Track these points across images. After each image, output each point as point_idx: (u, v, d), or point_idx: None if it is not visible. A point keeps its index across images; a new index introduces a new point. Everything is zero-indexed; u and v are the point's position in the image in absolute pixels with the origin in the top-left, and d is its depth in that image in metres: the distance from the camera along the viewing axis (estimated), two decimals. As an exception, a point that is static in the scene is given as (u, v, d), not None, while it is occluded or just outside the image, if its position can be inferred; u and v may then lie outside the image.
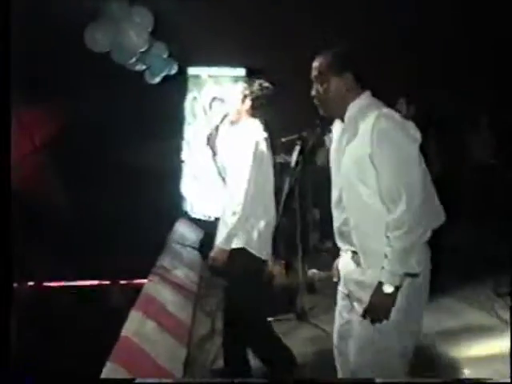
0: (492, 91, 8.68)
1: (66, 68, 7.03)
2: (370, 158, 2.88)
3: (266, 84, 4.26)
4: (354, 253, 3.00)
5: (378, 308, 2.86)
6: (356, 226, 2.96)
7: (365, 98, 3.06)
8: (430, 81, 8.35)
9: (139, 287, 5.38)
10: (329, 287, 6.03)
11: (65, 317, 5.22)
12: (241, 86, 4.24)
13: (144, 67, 7.30)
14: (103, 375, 3.61)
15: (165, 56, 7.40)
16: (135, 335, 4.29)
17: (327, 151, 3.34)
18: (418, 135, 2.92)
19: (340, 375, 3.23)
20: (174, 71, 7.63)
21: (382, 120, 2.89)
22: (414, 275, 2.83)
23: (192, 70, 7.95)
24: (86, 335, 4.66)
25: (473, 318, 5.59)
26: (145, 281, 5.56)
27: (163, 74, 7.47)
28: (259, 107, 4.24)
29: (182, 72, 7.80)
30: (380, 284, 2.83)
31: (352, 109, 3.04)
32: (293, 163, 3.49)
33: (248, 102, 4.19)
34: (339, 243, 3.13)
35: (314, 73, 3.11)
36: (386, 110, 2.96)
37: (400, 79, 7.64)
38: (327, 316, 5.34)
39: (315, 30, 8.06)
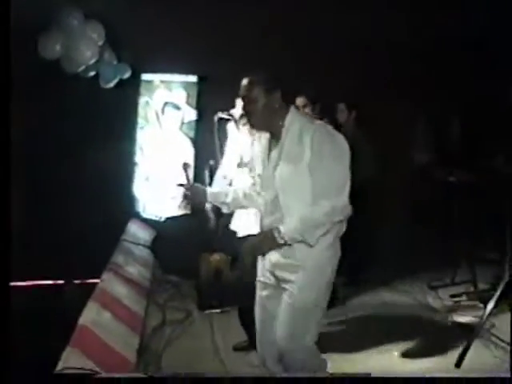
0: (433, 95, 9.11)
1: (20, 73, 7.20)
2: (308, 166, 3.29)
3: None
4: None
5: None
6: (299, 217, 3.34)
7: (294, 113, 3.44)
8: (371, 85, 8.72)
9: (93, 286, 5.56)
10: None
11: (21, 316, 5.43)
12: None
13: (95, 73, 7.54)
14: (63, 360, 3.89)
15: (115, 63, 7.66)
16: (92, 324, 4.58)
17: None
18: (346, 146, 3.36)
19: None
20: (126, 76, 7.85)
21: (318, 133, 3.30)
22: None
23: (145, 76, 8.16)
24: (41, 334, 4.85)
25: (407, 308, 6.05)
26: (98, 280, 5.76)
27: (115, 80, 7.71)
28: None
29: (135, 77, 8.02)
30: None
31: (289, 123, 3.40)
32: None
33: None
34: None
35: (243, 92, 3.42)
36: (319, 123, 3.39)
37: (339, 84, 7.89)
38: None
39: (263, 41, 8.40)
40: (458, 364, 4.58)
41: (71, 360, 3.92)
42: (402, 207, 8.06)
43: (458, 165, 7.13)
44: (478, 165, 6.90)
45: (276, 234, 3.31)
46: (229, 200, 3.82)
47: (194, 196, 3.83)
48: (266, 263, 3.57)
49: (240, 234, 4.90)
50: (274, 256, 3.48)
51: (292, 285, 3.42)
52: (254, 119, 3.45)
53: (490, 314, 4.81)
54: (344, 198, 3.30)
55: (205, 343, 5.06)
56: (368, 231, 6.40)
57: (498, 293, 4.90)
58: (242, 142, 4.80)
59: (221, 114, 4.96)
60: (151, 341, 5.13)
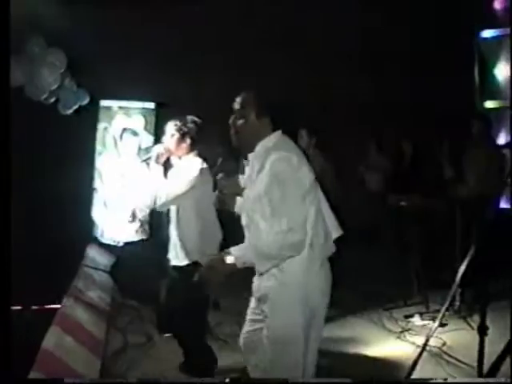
0: (385, 121, 9.39)
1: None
2: (265, 194, 3.39)
3: (197, 120, 4.79)
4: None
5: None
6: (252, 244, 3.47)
7: (272, 139, 3.53)
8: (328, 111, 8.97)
9: (54, 312, 5.53)
10: (233, 304, 6.64)
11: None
12: (173, 125, 4.73)
13: (55, 100, 7.62)
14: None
15: (75, 89, 7.76)
16: (55, 348, 4.63)
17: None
18: (309, 177, 3.45)
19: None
20: (85, 102, 7.94)
21: (277, 163, 3.36)
22: None
23: (103, 102, 8.25)
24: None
25: (361, 327, 6.25)
26: (58, 306, 5.76)
27: (75, 107, 7.80)
28: (197, 143, 4.78)
29: (94, 103, 8.11)
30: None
31: (258, 147, 3.52)
32: None
33: (188, 140, 4.73)
34: None
35: (237, 106, 3.56)
36: (284, 154, 3.41)
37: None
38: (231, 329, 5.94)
39: (221, 66, 8.59)
40: (408, 376, 4.73)
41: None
42: (356, 231, 8.24)
43: (408, 190, 7.36)
44: (429, 190, 7.13)
45: (226, 257, 3.36)
46: None
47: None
48: (254, 294, 3.67)
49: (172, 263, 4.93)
50: (256, 283, 3.60)
51: (266, 316, 3.52)
52: (237, 134, 3.58)
53: (434, 332, 4.97)
54: (297, 235, 3.32)
55: (166, 366, 5.12)
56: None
57: (442, 312, 5.08)
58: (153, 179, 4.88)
59: (143, 157, 5.21)
60: (113, 364, 5.21)
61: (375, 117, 9.41)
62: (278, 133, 3.59)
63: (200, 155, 4.83)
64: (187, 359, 4.99)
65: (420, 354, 4.79)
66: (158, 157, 4.77)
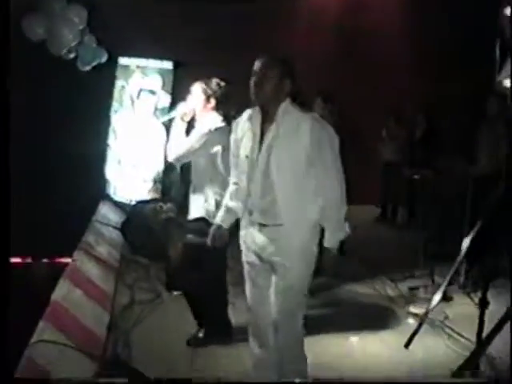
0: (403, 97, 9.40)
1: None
2: (306, 154, 3.54)
3: (223, 83, 4.84)
4: (263, 226, 3.64)
5: (330, 267, 3.76)
6: (287, 205, 3.58)
7: (288, 103, 3.64)
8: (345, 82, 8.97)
9: (65, 266, 5.66)
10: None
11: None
12: (199, 87, 4.78)
13: (75, 56, 7.64)
14: (36, 333, 4.04)
15: (94, 46, 7.77)
16: (64, 300, 4.73)
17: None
18: (337, 139, 3.63)
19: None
20: (104, 59, 7.96)
21: (317, 125, 3.55)
22: None
23: (122, 60, 8.26)
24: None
25: (367, 297, 6.33)
26: (68, 260, 5.86)
27: (93, 63, 7.82)
28: (221, 104, 4.81)
29: (112, 61, 8.12)
30: (328, 249, 3.66)
31: (284, 107, 3.61)
32: None
33: (213, 101, 4.79)
34: (252, 218, 3.71)
35: (260, 67, 3.61)
36: (316, 115, 3.66)
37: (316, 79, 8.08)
38: None
39: (240, 30, 8.57)
40: (407, 345, 4.87)
41: (45, 334, 4.08)
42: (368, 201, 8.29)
43: (422, 164, 7.38)
44: (441, 164, 7.14)
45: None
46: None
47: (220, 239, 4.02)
48: (250, 245, 3.77)
49: (190, 217, 4.96)
50: (259, 239, 3.69)
51: (281, 266, 3.64)
52: (259, 94, 3.62)
53: (437, 304, 5.05)
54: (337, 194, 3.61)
55: (173, 323, 5.21)
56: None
57: (443, 285, 5.16)
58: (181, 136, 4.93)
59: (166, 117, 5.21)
60: (120, 318, 5.29)
61: (393, 89, 9.41)
62: (289, 100, 3.68)
63: (224, 116, 4.88)
64: (197, 313, 5.05)
65: (420, 325, 4.90)
66: (183, 115, 4.85)
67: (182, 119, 4.84)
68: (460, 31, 9.10)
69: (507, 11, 8.86)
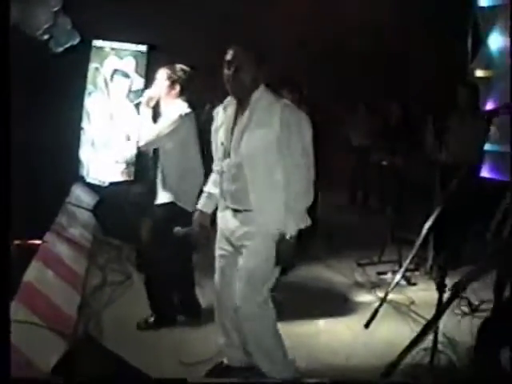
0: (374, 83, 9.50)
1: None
2: (277, 142, 3.62)
3: (187, 68, 4.93)
4: (236, 211, 3.75)
5: (284, 253, 3.72)
6: (256, 191, 3.68)
7: (264, 89, 3.74)
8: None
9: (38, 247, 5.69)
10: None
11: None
12: (164, 72, 4.85)
13: (48, 37, 7.59)
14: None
15: (69, 28, 7.73)
16: (36, 281, 4.79)
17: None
18: (309, 126, 3.72)
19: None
20: (76, 42, 7.92)
21: (287, 111, 3.64)
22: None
23: (96, 42, 8.24)
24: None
25: (335, 281, 6.45)
26: (39, 242, 5.85)
27: (67, 45, 7.78)
28: (185, 90, 4.90)
29: (86, 43, 8.09)
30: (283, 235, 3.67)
31: (257, 94, 3.70)
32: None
33: (177, 87, 4.86)
34: (226, 204, 3.84)
35: (232, 56, 3.68)
36: (288, 102, 3.73)
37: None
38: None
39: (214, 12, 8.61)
40: (367, 325, 5.05)
41: (17, 315, 4.13)
42: (336, 188, 8.40)
43: (392, 150, 7.49)
44: (412, 152, 7.26)
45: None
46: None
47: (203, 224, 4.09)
48: (223, 230, 3.89)
49: (158, 201, 5.03)
50: (232, 223, 3.80)
51: (246, 250, 3.76)
52: (233, 82, 3.71)
53: (395, 286, 5.22)
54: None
55: (143, 304, 5.27)
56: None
57: (403, 268, 5.32)
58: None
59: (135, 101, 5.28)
60: (92, 299, 5.38)
61: (367, 79, 9.51)
62: (263, 86, 3.77)
63: (188, 101, 4.96)
64: (151, 301, 5.12)
65: (380, 305, 5.09)
66: (148, 100, 4.91)
67: (148, 104, 4.92)
68: (434, 18, 9.20)
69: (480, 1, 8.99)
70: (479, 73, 8.92)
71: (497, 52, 8.81)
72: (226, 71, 3.70)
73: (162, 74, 4.90)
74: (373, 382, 3.79)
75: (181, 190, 4.87)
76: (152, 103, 4.92)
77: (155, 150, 5.12)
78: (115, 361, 3.09)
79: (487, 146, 7.11)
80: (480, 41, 8.99)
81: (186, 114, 4.86)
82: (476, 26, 9.03)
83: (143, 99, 4.97)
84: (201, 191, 4.60)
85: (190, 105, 4.98)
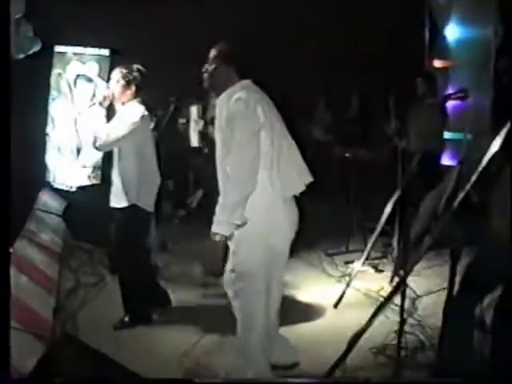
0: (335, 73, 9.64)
1: None
2: (224, 135, 3.70)
3: (143, 68, 4.99)
4: None
5: (210, 256, 3.62)
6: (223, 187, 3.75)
7: (239, 85, 3.81)
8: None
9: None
10: (180, 246, 6.94)
11: None
12: (119, 72, 4.90)
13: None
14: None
15: (31, 35, 7.73)
16: (11, 287, 4.83)
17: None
18: (261, 119, 3.66)
19: None
20: (38, 48, 7.93)
21: (233, 104, 3.64)
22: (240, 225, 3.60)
23: (58, 48, 8.25)
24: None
25: (303, 271, 6.61)
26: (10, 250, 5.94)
27: (30, 52, 7.79)
28: (140, 91, 4.97)
29: (48, 49, 8.10)
30: (212, 233, 3.57)
31: (224, 94, 3.81)
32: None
33: (133, 87, 4.91)
34: None
35: (209, 56, 3.87)
36: (242, 95, 3.66)
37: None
38: (178, 270, 6.41)
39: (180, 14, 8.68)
40: (336, 305, 5.51)
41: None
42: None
43: (353, 142, 7.66)
44: (373, 142, 7.43)
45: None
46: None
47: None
48: None
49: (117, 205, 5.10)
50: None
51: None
52: (209, 81, 3.90)
53: (358, 273, 5.79)
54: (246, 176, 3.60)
55: (118, 304, 5.35)
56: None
57: (364, 255, 5.89)
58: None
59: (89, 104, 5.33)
60: (67, 301, 5.45)
61: (327, 70, 9.65)
62: (246, 81, 3.87)
63: (143, 102, 5.02)
64: (125, 302, 5.22)
65: (346, 288, 5.55)
66: (102, 100, 4.97)
67: (102, 104, 4.96)
68: (392, 10, 9.36)
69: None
70: (437, 63, 9.10)
71: (454, 42, 9.02)
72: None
73: (117, 73, 4.95)
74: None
75: (141, 192, 4.95)
76: (106, 103, 4.97)
77: (110, 154, 5.18)
78: (95, 356, 3.17)
79: (448, 135, 7.32)
80: (437, 31, 9.17)
81: (144, 117, 4.93)
82: (432, 17, 9.21)
83: (97, 99, 5.03)
84: (158, 193, 5.03)
85: (146, 107, 5.05)
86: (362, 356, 4.30)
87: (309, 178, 3.94)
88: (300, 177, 3.89)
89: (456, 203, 2.72)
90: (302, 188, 3.89)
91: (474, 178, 2.69)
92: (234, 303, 4.02)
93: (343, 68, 9.61)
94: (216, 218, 3.57)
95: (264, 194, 3.67)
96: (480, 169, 2.68)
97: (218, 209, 3.58)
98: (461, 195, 2.72)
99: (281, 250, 3.89)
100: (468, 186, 2.72)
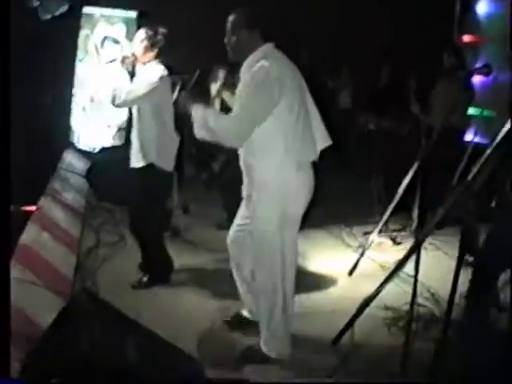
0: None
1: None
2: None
3: (165, 31, 5.00)
4: None
5: None
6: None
7: (260, 51, 3.84)
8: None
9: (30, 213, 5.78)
10: (202, 209, 7.01)
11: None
12: (144, 33, 4.93)
13: (37, 3, 7.62)
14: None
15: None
16: (32, 242, 4.92)
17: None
18: (276, 97, 3.71)
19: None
20: (65, 9, 7.95)
21: (256, 73, 3.71)
22: None
23: (86, 9, 8.29)
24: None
25: (322, 240, 6.69)
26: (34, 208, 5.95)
27: (57, 12, 7.82)
28: (162, 54, 5.00)
29: (76, 10, 8.13)
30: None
31: (246, 62, 3.85)
32: (173, 100, 4.36)
33: (155, 50, 4.94)
34: None
35: (229, 25, 3.88)
36: (264, 63, 3.72)
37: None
38: (199, 232, 6.46)
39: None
40: (350, 272, 5.68)
41: (14, 272, 4.26)
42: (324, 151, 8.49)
43: (378, 113, 7.62)
44: (398, 115, 7.38)
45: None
46: None
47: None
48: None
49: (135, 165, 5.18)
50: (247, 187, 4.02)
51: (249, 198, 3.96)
52: (233, 49, 3.93)
53: (371, 243, 5.94)
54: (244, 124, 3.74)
55: (137, 264, 5.46)
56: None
57: (380, 224, 5.99)
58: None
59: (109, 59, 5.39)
60: (87, 260, 5.54)
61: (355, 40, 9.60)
62: (268, 45, 3.90)
63: (164, 64, 5.06)
64: (145, 260, 5.37)
65: (360, 257, 5.72)
66: (123, 59, 5.01)
67: (123, 63, 5.00)
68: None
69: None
70: (466, 38, 9.01)
71: (484, 17, 8.91)
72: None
73: (142, 34, 4.97)
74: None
75: (159, 151, 5.00)
76: (128, 62, 5.00)
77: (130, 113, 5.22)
78: (114, 313, 3.24)
79: (474, 111, 7.26)
80: (468, 6, 9.06)
81: (163, 77, 4.96)
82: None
83: (119, 58, 5.05)
84: (179, 151, 5.11)
85: (172, 70, 5.09)
86: (375, 325, 4.38)
87: (326, 142, 4.04)
88: (316, 144, 3.97)
89: (469, 177, 2.73)
90: (316, 156, 3.97)
91: (487, 153, 2.70)
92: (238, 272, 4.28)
93: (373, 38, 9.53)
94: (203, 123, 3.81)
95: (278, 160, 3.77)
96: (494, 145, 2.69)
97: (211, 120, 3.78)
98: (474, 170, 2.73)
99: (294, 214, 3.93)
100: (481, 161, 2.72)
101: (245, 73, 3.84)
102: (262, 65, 3.71)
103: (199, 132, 3.83)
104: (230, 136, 3.77)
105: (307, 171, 3.94)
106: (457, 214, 2.97)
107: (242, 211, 4.22)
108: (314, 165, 4.00)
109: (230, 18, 3.90)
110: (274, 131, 3.74)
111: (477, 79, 7.28)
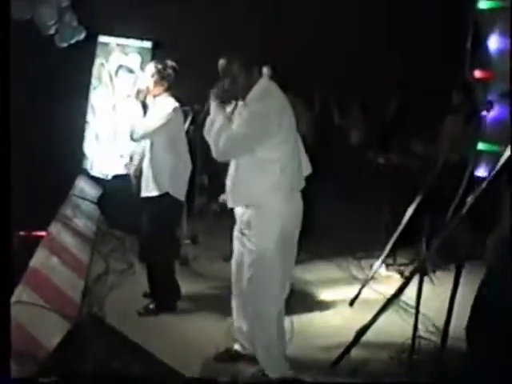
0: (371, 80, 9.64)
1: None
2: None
3: (175, 65, 5.11)
4: None
5: None
6: None
7: (257, 89, 3.93)
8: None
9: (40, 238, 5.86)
10: (211, 240, 7.04)
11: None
12: (154, 67, 5.03)
13: (54, 32, 7.76)
14: (15, 295, 4.27)
15: (75, 24, 7.90)
16: (41, 266, 4.99)
17: None
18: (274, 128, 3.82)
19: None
20: (82, 37, 8.09)
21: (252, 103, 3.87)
22: None
23: (102, 38, 8.42)
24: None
25: (330, 273, 6.69)
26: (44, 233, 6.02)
27: (72, 41, 7.96)
28: (172, 88, 5.10)
29: (91, 39, 8.27)
30: None
31: (252, 92, 3.92)
32: (185, 129, 4.46)
33: (165, 84, 5.04)
34: None
35: (222, 66, 3.95)
36: (260, 104, 3.85)
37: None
38: (207, 263, 6.48)
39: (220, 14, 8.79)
40: (351, 303, 5.70)
41: (23, 296, 4.32)
42: (333, 184, 8.51)
43: (387, 149, 7.67)
44: (406, 150, 7.42)
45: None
46: None
47: None
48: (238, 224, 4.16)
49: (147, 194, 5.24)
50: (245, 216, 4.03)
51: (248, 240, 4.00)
52: (233, 92, 3.98)
53: (375, 272, 5.98)
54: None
55: (144, 291, 5.49)
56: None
57: (383, 255, 5.98)
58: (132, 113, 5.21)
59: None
60: (95, 286, 5.57)
61: (363, 76, 9.65)
62: (264, 80, 4.01)
63: (174, 96, 5.16)
64: (152, 287, 5.39)
65: (362, 287, 5.74)
66: (137, 93, 5.11)
67: (137, 97, 5.10)
68: (434, 19, 9.33)
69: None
70: (478, 73, 9.06)
71: (496, 53, 8.96)
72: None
73: (152, 69, 5.07)
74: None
75: (172, 180, 5.08)
76: (141, 96, 5.11)
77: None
78: (118, 337, 3.27)
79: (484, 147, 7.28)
80: (479, 42, 9.13)
81: (175, 109, 5.06)
82: (476, 28, 9.17)
83: (133, 92, 5.17)
84: (190, 181, 5.20)
85: (183, 101, 5.20)
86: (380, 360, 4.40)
87: (309, 170, 4.20)
88: (305, 171, 4.16)
89: (464, 210, 2.76)
90: (303, 184, 4.09)
91: (483, 185, 2.73)
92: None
93: (382, 74, 9.59)
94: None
95: (275, 181, 3.89)
96: (490, 177, 2.72)
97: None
98: (469, 202, 2.76)
99: (290, 232, 4.01)
100: (476, 193, 2.75)
101: (246, 105, 3.94)
102: (264, 103, 3.86)
103: (205, 134, 4.02)
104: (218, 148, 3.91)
105: (298, 196, 4.05)
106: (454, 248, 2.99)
107: (236, 238, 4.24)
108: (303, 194, 4.10)
109: (223, 61, 3.96)
110: (271, 160, 3.88)
111: (485, 115, 7.31)
